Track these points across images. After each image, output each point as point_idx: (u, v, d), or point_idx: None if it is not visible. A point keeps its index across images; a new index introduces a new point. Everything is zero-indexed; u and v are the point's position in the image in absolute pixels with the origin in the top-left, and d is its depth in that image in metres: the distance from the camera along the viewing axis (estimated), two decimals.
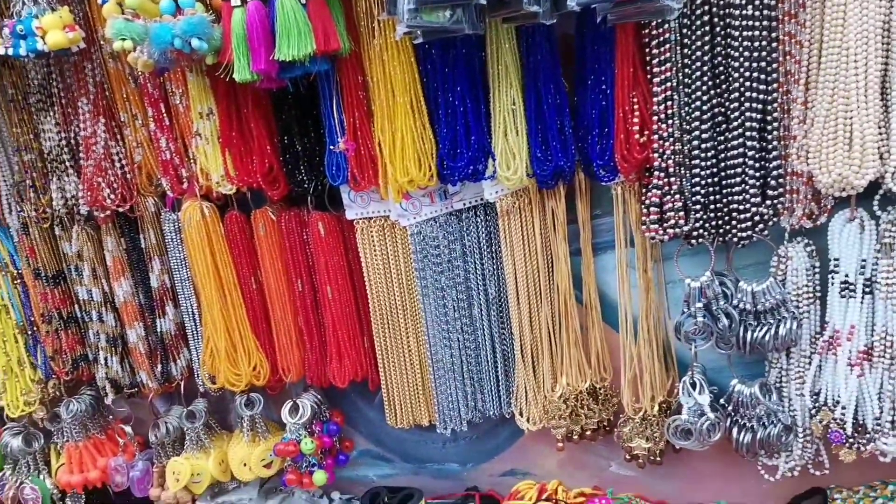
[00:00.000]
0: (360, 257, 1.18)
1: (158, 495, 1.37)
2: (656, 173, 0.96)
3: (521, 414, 1.20)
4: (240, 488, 1.39)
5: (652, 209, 0.97)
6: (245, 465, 1.32)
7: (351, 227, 1.18)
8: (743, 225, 0.93)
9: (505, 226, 1.10)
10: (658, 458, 1.13)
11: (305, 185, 1.13)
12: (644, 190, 0.99)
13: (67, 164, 1.23)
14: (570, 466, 1.27)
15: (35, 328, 1.40)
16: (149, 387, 1.34)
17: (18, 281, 1.39)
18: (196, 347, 1.31)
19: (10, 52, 1.05)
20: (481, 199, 1.11)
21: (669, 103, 0.94)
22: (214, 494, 1.38)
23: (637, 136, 0.96)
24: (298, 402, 1.29)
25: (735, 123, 0.91)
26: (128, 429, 1.46)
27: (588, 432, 1.17)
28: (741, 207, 0.93)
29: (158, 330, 1.32)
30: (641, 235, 1.03)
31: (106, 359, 1.34)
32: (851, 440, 0.96)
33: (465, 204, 1.12)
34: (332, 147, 1.08)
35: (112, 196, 1.21)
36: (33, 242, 1.33)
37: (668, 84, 0.93)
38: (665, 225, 0.96)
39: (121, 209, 1.23)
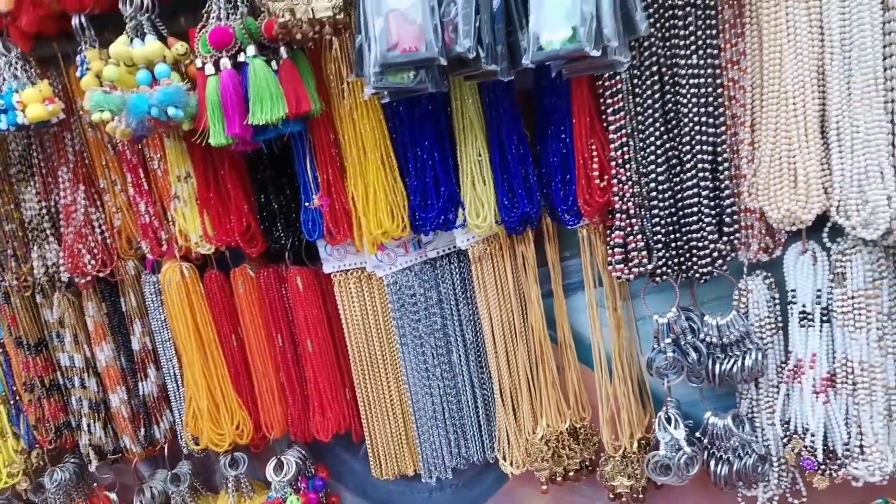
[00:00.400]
0: (339, 309, 1.21)
1: None
2: (618, 215, 1.00)
3: (504, 458, 1.21)
4: None
5: (616, 250, 1.01)
6: None
7: (329, 281, 1.21)
8: (703, 261, 0.97)
9: (478, 271, 1.13)
10: (641, 496, 1.14)
11: (283, 242, 1.16)
12: (608, 231, 1.03)
13: (48, 232, 1.25)
14: None
15: (17, 397, 1.40)
16: (132, 451, 1.34)
17: (0, 350, 1.39)
18: (179, 409, 1.31)
19: None
20: (454, 247, 1.15)
21: (626, 149, 0.99)
22: None
23: (597, 181, 1.01)
24: (283, 458, 1.30)
25: (688, 165, 0.96)
26: (112, 496, 1.45)
27: (571, 473, 1.18)
28: (700, 244, 0.97)
29: (141, 393, 1.32)
30: (609, 275, 1.07)
31: (89, 425, 1.34)
32: (823, 467, 0.98)
33: (438, 252, 1.16)
34: (307, 203, 1.11)
35: (93, 262, 1.23)
36: (14, 311, 1.33)
37: (623, 131, 0.98)
38: (630, 264, 1.00)
39: (101, 274, 1.25)
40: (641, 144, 0.99)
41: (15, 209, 1.27)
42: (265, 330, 1.24)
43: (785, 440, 1.01)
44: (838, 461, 0.98)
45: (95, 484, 1.47)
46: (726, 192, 0.96)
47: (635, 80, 0.97)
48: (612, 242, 1.01)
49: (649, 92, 0.97)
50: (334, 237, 1.11)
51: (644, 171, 0.99)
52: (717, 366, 0.99)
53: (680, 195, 0.98)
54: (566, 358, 1.16)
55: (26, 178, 1.24)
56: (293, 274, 1.20)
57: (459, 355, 1.19)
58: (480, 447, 1.23)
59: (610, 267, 1.01)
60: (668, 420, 1.06)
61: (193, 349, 1.23)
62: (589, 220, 1.04)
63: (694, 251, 0.97)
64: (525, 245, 1.12)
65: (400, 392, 1.23)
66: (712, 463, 1.05)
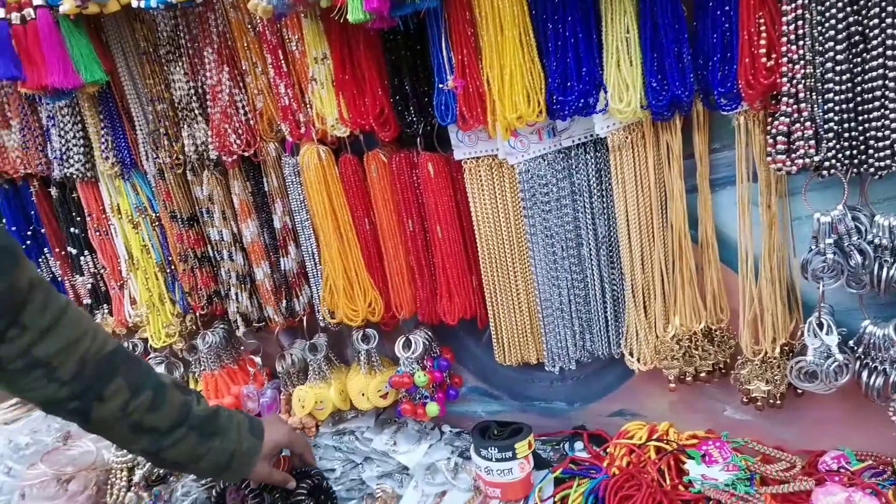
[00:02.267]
0: (469, 197, 1.19)
1: (286, 420, 1.48)
2: (784, 99, 0.90)
3: (631, 354, 1.19)
4: (357, 417, 1.48)
5: (779, 139, 0.91)
6: (363, 395, 1.39)
7: (459, 168, 1.19)
8: (881, 154, 0.86)
9: (616, 162, 1.07)
10: (778, 402, 1.09)
11: (415, 126, 1.15)
12: (770, 118, 0.93)
13: (196, 112, 1.31)
14: (681, 409, 1.25)
15: (173, 267, 1.53)
16: (275, 321, 1.44)
17: (157, 223, 1.52)
18: (316, 285, 1.38)
19: (143, 4, 1.12)
20: (591, 136, 1.09)
21: (800, 23, 0.87)
22: (336, 422, 1.47)
23: (764, 59, 0.90)
24: (411, 337, 1.34)
25: (874, 43, 0.84)
26: (257, 359, 1.58)
27: (702, 374, 1.15)
28: (879, 135, 0.86)
29: (282, 268, 1.40)
30: (766, 168, 0.97)
31: (236, 294, 1.45)
32: None
33: (574, 141, 1.11)
34: (440, 85, 1.08)
35: (238, 141, 1.28)
36: (169, 187, 1.43)
37: (799, 2, 0.86)
38: (793, 155, 0.91)
39: (246, 154, 1.30)
40: (819, 18, 0.86)
41: (165, 90, 1.33)
42: (396, 214, 1.25)
43: None
44: None
45: (242, 348, 1.61)
46: None
47: None
48: (774, 130, 0.91)
49: None
50: (467, 121, 1.08)
51: (820, 48, 0.87)
52: (885, 270, 0.90)
53: (860, 77, 0.86)
54: (707, 257, 1.10)
55: (175, 58, 1.29)
56: (424, 160, 1.20)
57: (590, 248, 1.15)
58: (606, 342, 1.21)
59: (769, 158, 0.92)
60: (821, 325, 0.99)
61: (329, 229, 1.27)
62: (749, 105, 0.94)
63: (871, 142, 0.86)
64: (671, 134, 1.04)
65: (526, 282, 1.22)
66: (865, 374, 0.98)
